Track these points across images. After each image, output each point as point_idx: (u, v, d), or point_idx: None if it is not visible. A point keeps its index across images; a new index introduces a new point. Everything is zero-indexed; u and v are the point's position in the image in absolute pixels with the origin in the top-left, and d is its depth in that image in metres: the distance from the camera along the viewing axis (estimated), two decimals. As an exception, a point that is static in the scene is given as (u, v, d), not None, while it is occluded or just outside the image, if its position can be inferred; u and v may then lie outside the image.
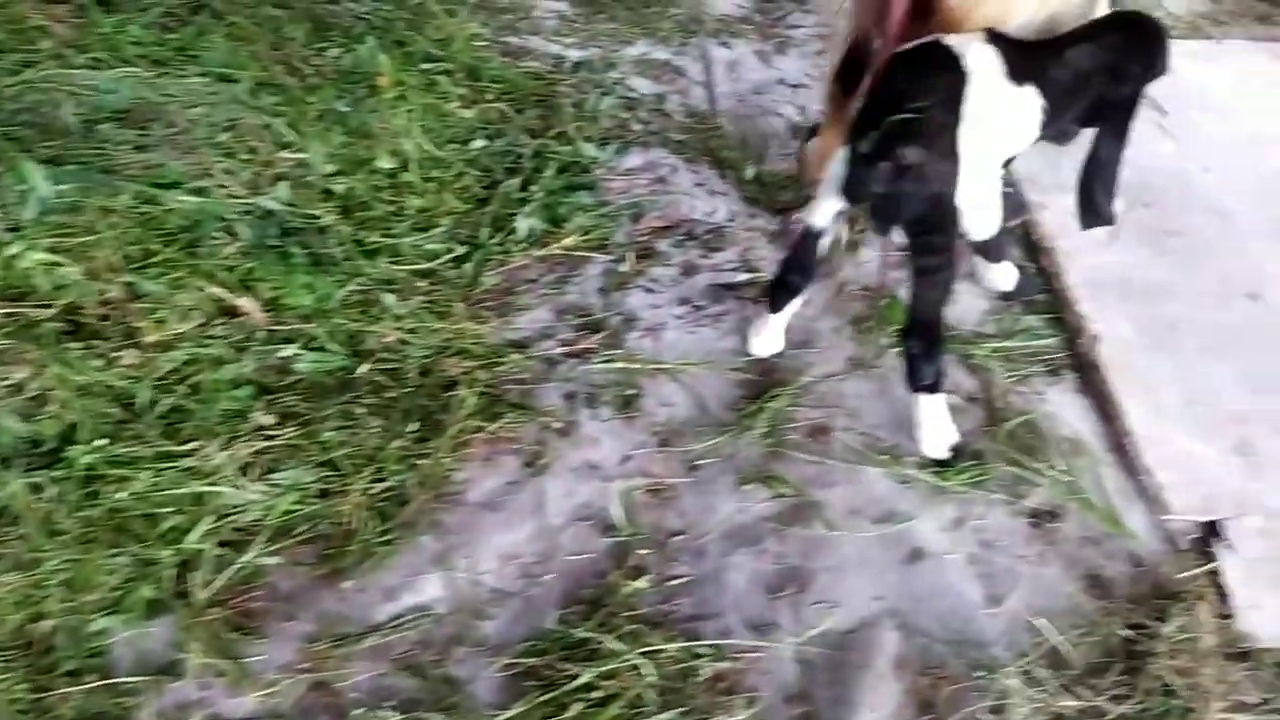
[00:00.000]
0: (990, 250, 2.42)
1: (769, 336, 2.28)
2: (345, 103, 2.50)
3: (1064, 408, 2.27)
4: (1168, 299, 2.54)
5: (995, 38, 2.07)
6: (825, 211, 2.10)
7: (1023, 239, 2.75)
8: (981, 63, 1.94)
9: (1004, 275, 2.51)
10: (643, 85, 3.29)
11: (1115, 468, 2.15)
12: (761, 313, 2.31)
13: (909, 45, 2.00)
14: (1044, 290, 2.58)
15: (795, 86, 3.32)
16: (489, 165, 2.75)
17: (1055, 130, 2.15)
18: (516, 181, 2.69)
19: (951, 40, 1.94)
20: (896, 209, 1.90)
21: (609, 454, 2.12)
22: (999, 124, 2.03)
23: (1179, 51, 3.50)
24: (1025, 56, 2.03)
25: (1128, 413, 2.22)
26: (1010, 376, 2.33)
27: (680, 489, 2.09)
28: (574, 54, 3.40)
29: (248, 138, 2.41)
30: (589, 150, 2.85)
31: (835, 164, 2.06)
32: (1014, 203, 2.75)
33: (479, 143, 2.77)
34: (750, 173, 2.86)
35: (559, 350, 2.34)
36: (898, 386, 2.28)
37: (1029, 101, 2.09)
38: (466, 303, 2.40)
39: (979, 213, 2.30)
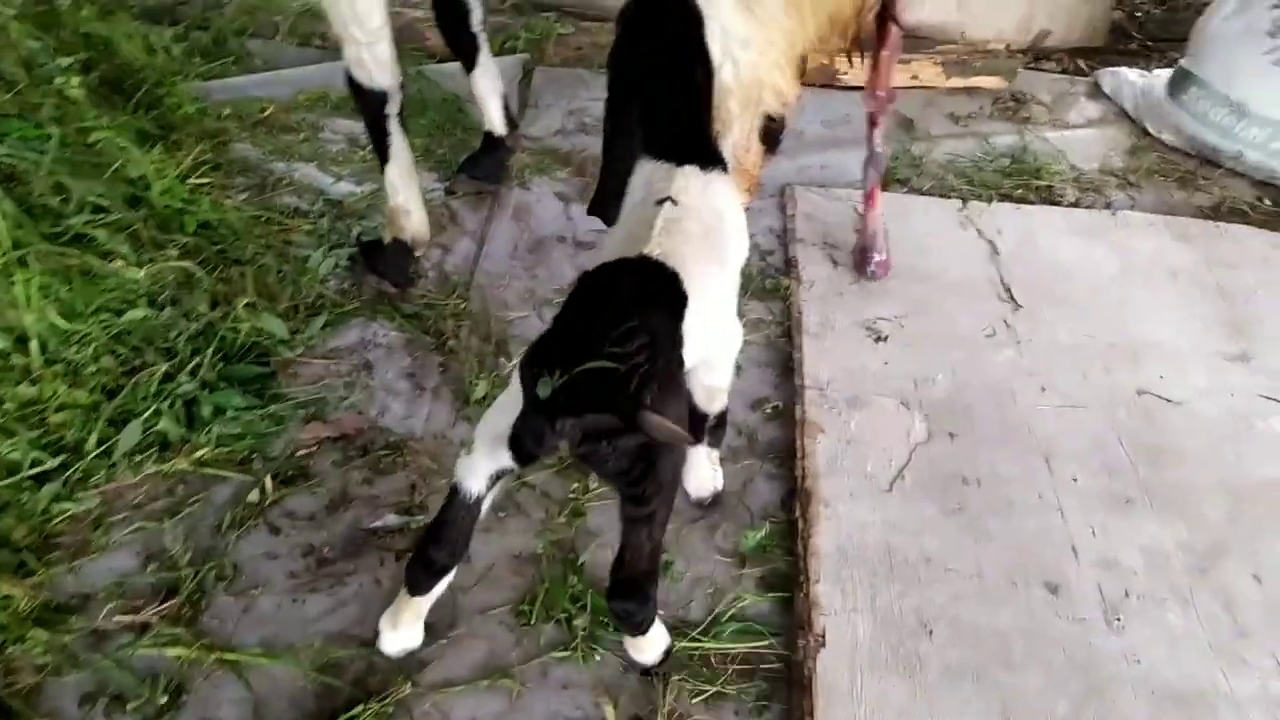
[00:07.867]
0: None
1: (406, 629, 1.73)
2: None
3: (749, 761, 1.71)
4: (933, 584, 1.97)
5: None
6: (482, 471, 1.59)
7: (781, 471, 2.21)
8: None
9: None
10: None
11: None
12: (402, 588, 1.73)
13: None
14: (786, 552, 2.04)
15: (579, 244, 2.82)
16: (143, 342, 2.25)
17: None
18: (162, 368, 2.20)
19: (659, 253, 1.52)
20: (597, 466, 1.48)
21: (89, 801, 1.59)
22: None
23: (1059, 226, 3.02)
24: None
25: (822, 779, 1.65)
26: (695, 697, 1.77)
27: None
28: (342, 188, 2.93)
29: None
30: (274, 326, 2.36)
31: (498, 410, 1.57)
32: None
33: (138, 313, 2.26)
34: (479, 388, 2.32)
35: (116, 620, 1.82)
36: (538, 702, 1.74)
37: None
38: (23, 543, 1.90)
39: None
